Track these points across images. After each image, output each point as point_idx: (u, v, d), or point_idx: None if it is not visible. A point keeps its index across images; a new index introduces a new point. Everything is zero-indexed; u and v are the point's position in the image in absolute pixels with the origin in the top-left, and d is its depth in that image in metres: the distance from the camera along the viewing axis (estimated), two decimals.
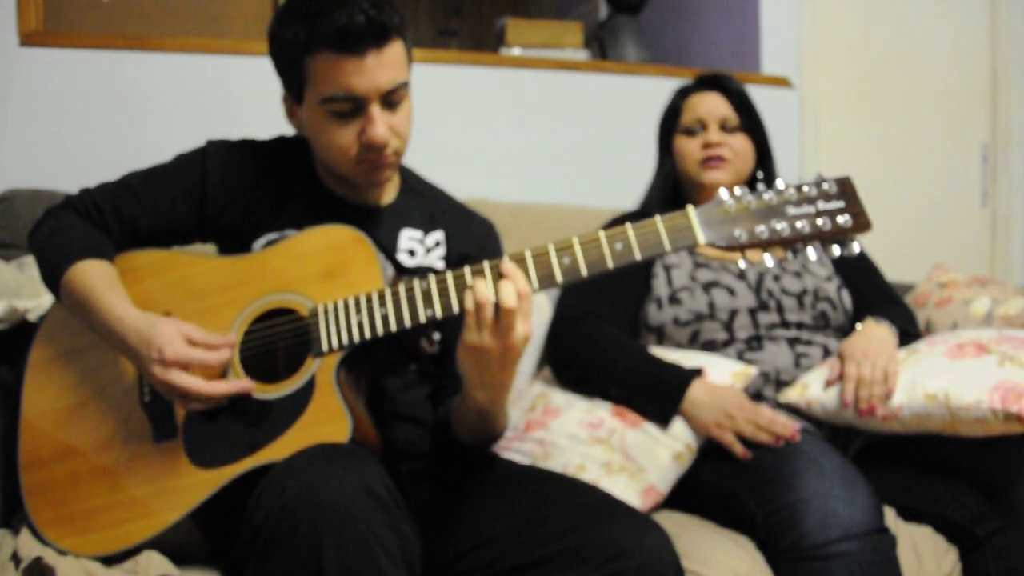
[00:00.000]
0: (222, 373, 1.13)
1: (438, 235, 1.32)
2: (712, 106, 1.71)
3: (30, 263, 1.53)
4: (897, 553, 1.28)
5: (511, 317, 1.01)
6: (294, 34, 1.13)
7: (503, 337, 1.02)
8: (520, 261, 1.05)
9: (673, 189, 1.76)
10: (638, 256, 1.04)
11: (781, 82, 2.58)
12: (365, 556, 0.92)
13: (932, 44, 2.83)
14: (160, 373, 1.08)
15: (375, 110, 1.15)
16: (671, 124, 1.76)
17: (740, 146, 1.70)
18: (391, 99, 1.16)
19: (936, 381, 1.41)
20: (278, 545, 0.93)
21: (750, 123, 1.72)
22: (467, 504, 1.18)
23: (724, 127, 1.70)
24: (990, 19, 2.87)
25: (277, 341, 1.15)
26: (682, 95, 1.77)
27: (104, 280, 1.16)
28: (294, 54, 1.15)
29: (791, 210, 1.03)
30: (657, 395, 1.47)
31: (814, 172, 1.34)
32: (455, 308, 1.07)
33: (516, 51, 2.50)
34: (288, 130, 1.31)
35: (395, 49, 1.14)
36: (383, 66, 1.13)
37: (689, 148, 1.71)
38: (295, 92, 1.19)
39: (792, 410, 1.53)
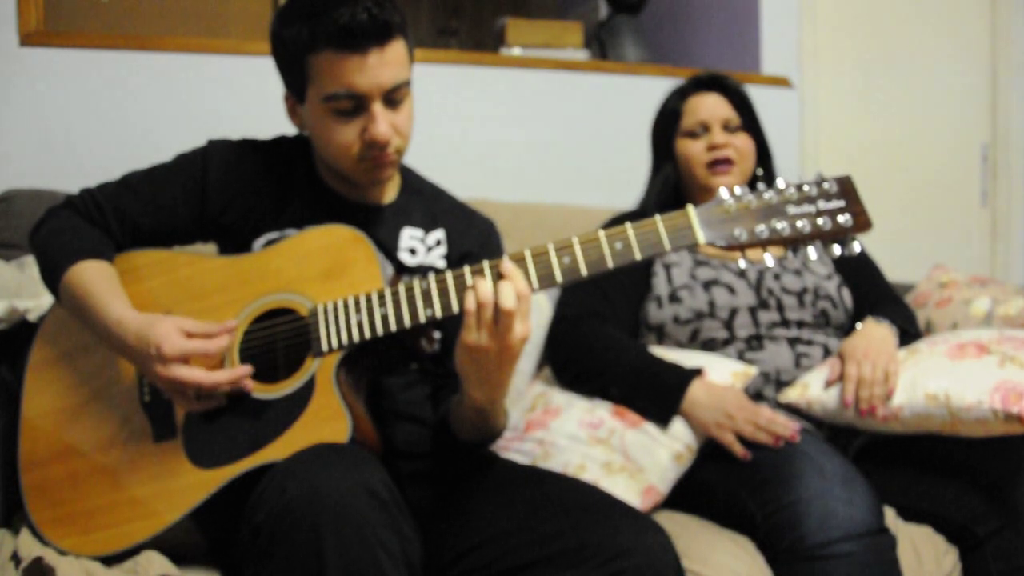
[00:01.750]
0: (221, 365, 1.13)
1: (439, 234, 1.32)
2: (714, 107, 1.70)
3: (30, 263, 1.52)
4: (897, 553, 1.28)
5: (510, 318, 1.01)
6: (296, 32, 1.14)
7: (501, 338, 1.02)
8: (520, 261, 1.05)
9: (673, 191, 1.74)
10: (638, 256, 1.04)
11: (781, 82, 2.58)
12: (366, 556, 0.92)
13: (932, 44, 2.83)
14: (161, 370, 1.07)
15: (377, 108, 1.15)
16: (670, 126, 1.74)
17: (744, 146, 1.69)
18: (393, 97, 1.16)
19: (937, 381, 1.41)
20: (278, 545, 0.93)
21: (750, 122, 1.72)
22: (467, 504, 1.18)
23: (727, 127, 1.69)
24: (990, 19, 2.87)
25: (277, 341, 1.15)
26: (680, 96, 1.74)
27: (103, 282, 1.16)
28: (296, 52, 1.15)
29: (791, 209, 1.03)
30: (657, 395, 1.47)
31: (814, 172, 1.34)
32: (455, 308, 1.07)
33: (516, 51, 2.50)
34: (289, 130, 1.31)
35: (397, 47, 1.15)
36: (385, 64, 1.13)
37: (694, 151, 1.70)
38: (297, 91, 1.20)
39: (792, 410, 1.53)
